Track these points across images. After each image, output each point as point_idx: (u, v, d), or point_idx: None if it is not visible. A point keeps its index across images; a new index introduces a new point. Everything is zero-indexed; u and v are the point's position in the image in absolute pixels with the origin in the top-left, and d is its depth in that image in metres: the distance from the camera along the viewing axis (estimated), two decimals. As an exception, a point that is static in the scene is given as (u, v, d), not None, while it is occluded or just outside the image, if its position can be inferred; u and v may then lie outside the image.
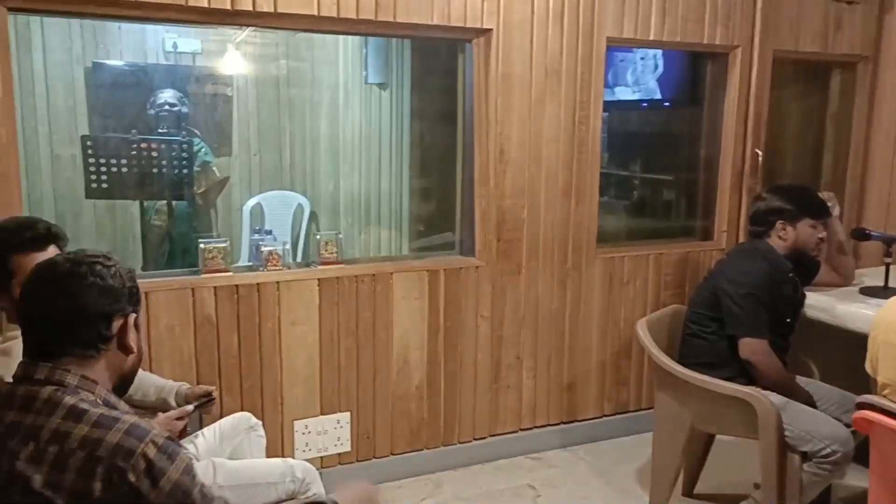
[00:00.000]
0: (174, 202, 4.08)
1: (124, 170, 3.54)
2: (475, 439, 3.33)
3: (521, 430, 3.43)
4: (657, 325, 2.91)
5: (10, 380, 1.78)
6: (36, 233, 1.93)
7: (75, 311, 1.32)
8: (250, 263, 4.24)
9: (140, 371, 2.34)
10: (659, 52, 4.05)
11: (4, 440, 1.25)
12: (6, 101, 2.42)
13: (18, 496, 1.23)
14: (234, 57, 5.10)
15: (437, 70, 3.82)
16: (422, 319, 3.15)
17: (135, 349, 1.40)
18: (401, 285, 3.09)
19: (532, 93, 3.18)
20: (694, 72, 3.95)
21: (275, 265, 2.97)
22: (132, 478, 1.21)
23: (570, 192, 3.33)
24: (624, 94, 4.25)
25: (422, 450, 3.23)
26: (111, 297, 1.36)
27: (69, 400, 1.27)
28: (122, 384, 1.43)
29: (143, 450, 1.23)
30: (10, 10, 2.42)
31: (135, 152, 3.53)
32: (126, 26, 4.86)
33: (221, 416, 2.43)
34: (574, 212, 3.35)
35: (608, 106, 3.43)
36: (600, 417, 3.59)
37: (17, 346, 1.59)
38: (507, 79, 3.13)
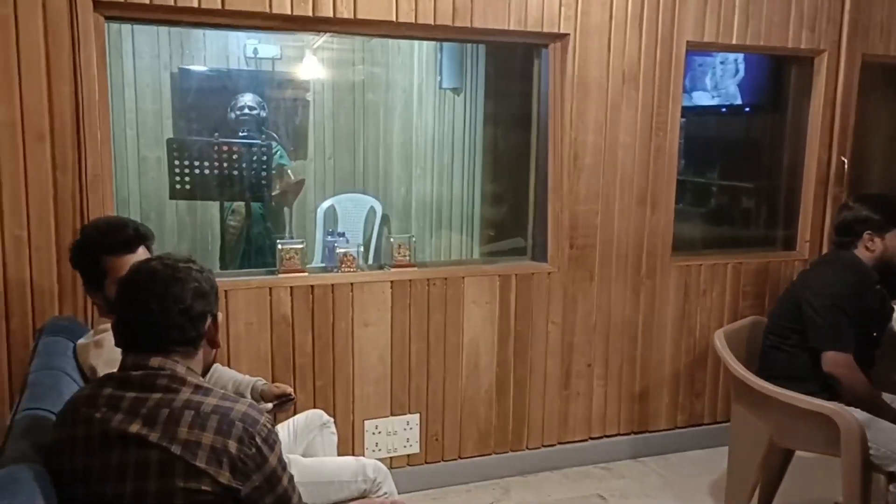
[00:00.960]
0: (250, 204, 4.19)
1: (206, 172, 3.65)
2: (544, 446, 3.32)
3: (591, 438, 3.40)
4: (735, 336, 2.84)
5: (101, 367, 1.89)
6: (126, 235, 2.02)
7: (182, 313, 1.47)
8: (323, 264, 4.34)
9: (218, 365, 2.45)
10: (740, 55, 3.95)
11: (134, 411, 1.39)
12: (102, 106, 2.55)
13: (138, 453, 1.37)
14: (311, 62, 5.23)
15: (512, 75, 3.82)
16: (492, 324, 3.16)
17: (218, 343, 1.56)
18: (472, 289, 3.10)
19: (608, 98, 3.16)
20: (777, 76, 3.85)
21: (349, 267, 3.03)
22: (258, 440, 1.41)
23: (645, 199, 3.29)
24: (702, 99, 4.16)
25: (490, 454, 3.24)
26: (206, 299, 1.51)
27: (192, 380, 1.45)
28: (204, 374, 1.57)
29: (264, 421, 1.44)
30: (108, 18, 2.55)
31: (216, 155, 3.64)
32: (210, 33, 5.04)
33: (295, 413, 2.49)
34: (649, 219, 3.31)
35: (685, 111, 3.37)
36: (673, 429, 3.52)
37: (108, 338, 1.67)
38: (583, 84, 3.12)
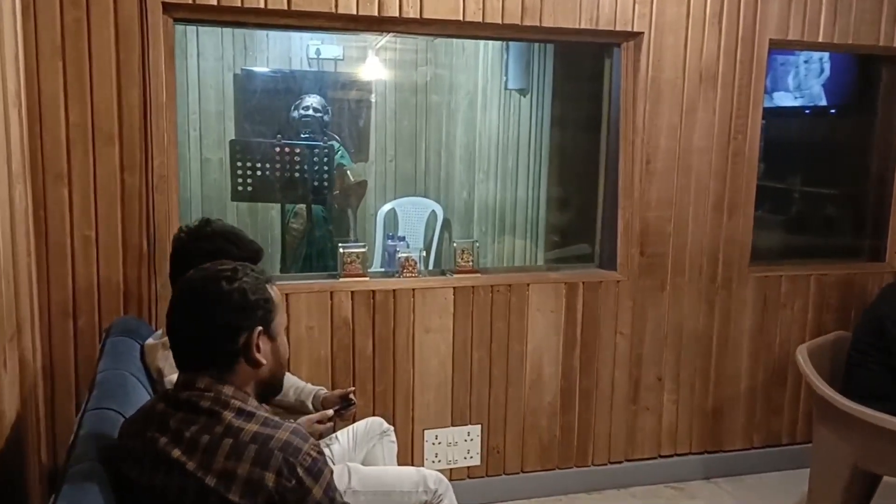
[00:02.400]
0: (312, 206, 4.26)
1: (268, 174, 3.73)
2: (610, 462, 3.28)
3: (661, 456, 3.34)
4: (818, 352, 2.76)
5: (167, 369, 1.95)
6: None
7: (214, 328, 1.43)
8: (383, 269, 4.37)
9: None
10: (825, 54, 3.84)
11: (178, 434, 1.38)
12: (169, 108, 2.64)
13: (178, 481, 1.35)
14: (373, 63, 5.29)
15: (581, 75, 3.79)
16: (557, 333, 3.14)
17: (263, 362, 1.46)
18: (537, 297, 3.09)
19: (684, 99, 3.11)
20: (865, 76, 3.73)
21: (411, 272, 3.05)
22: (300, 471, 1.34)
23: (721, 206, 3.23)
24: (784, 99, 4.05)
25: (553, 469, 3.21)
26: (233, 314, 1.43)
27: (235, 403, 1.41)
28: (264, 392, 1.51)
29: (308, 449, 1.36)
30: (176, 20, 2.64)
31: (278, 157, 3.72)
32: (273, 34, 5.16)
33: (355, 420, 2.52)
34: (726, 226, 3.24)
35: (766, 113, 3.29)
36: (748, 449, 3.44)
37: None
38: (657, 84, 3.08)
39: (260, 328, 1.45)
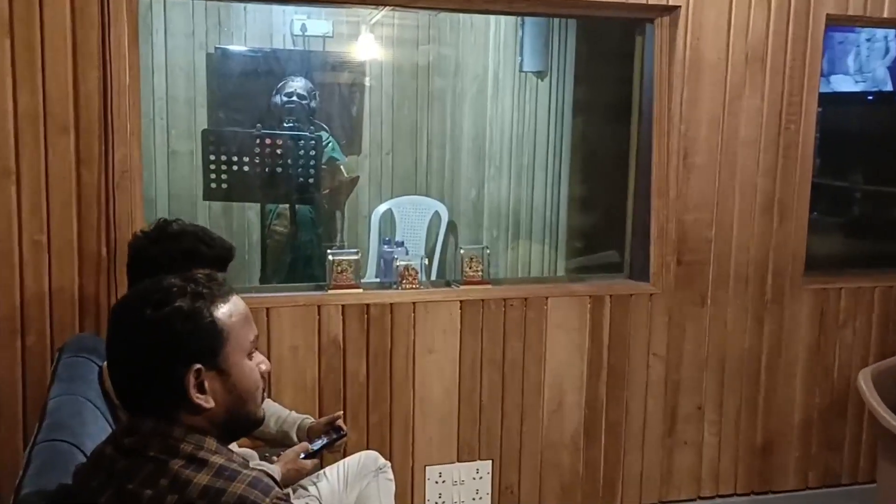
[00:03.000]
0: (297, 206, 4.27)
1: (246, 168, 3.74)
2: (642, 505, 3.29)
3: (700, 498, 3.35)
4: (885, 377, 2.78)
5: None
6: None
7: (126, 366, 1.40)
8: (378, 279, 4.38)
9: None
10: (891, 32, 3.85)
11: (121, 488, 1.33)
12: (133, 93, 2.65)
13: None
14: (367, 41, 5.31)
15: (608, 55, 3.81)
16: (580, 354, 3.14)
17: (207, 406, 1.38)
18: (557, 312, 3.10)
19: (727, 84, 3.12)
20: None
21: (411, 283, 3.05)
22: None
23: (771, 207, 3.24)
24: (843, 84, 4.08)
25: (576, 513, 3.22)
26: (156, 351, 1.36)
27: (186, 448, 1.34)
28: (232, 431, 1.47)
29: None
30: (141, -8, 2.66)
31: (258, 149, 3.73)
32: (252, 8, 5.18)
33: (346, 455, 2.52)
34: (776, 231, 3.25)
35: (822, 99, 3.31)
36: (803, 490, 3.44)
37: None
38: (696, 66, 3.09)
39: (198, 366, 1.36)
